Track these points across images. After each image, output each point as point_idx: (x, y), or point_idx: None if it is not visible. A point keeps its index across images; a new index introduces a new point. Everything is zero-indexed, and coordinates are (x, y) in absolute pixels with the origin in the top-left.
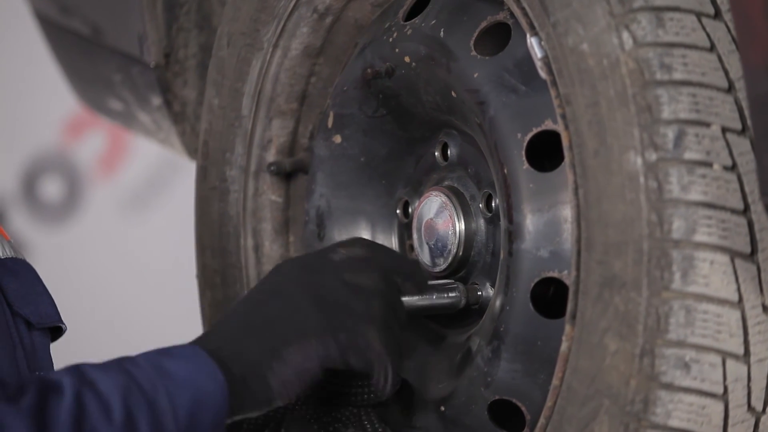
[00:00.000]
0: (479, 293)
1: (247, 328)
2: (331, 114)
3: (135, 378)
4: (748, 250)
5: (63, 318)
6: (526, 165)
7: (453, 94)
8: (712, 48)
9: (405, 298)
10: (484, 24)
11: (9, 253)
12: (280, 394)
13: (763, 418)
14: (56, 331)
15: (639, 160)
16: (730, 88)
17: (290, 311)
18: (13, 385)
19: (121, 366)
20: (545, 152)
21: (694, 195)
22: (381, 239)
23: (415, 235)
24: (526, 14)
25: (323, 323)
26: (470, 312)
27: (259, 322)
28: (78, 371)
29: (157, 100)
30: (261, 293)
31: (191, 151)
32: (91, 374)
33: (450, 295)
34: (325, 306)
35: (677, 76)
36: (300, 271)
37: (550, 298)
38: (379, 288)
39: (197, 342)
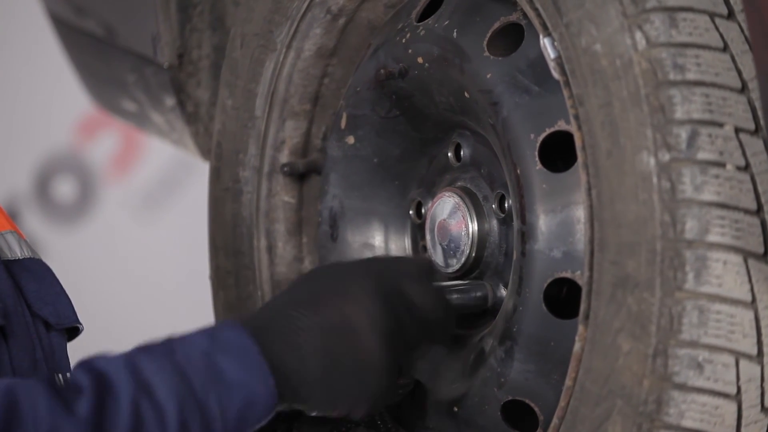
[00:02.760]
0: (498, 293)
1: (310, 348)
2: (345, 115)
3: (189, 381)
4: (761, 250)
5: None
6: (539, 165)
7: (466, 94)
8: (726, 48)
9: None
10: (497, 25)
11: (27, 253)
12: (323, 413)
13: None
14: (73, 331)
15: (652, 161)
16: (744, 89)
17: (360, 362)
18: (60, 381)
19: (175, 364)
20: (558, 153)
21: (707, 195)
22: (394, 240)
23: (428, 236)
24: (539, 15)
25: (383, 387)
26: (483, 312)
27: (320, 350)
28: (134, 369)
29: (170, 101)
30: (332, 307)
31: (204, 152)
32: (147, 377)
33: (477, 294)
34: (392, 369)
35: (690, 76)
36: (375, 301)
37: (563, 298)
38: (440, 334)
39: (252, 330)
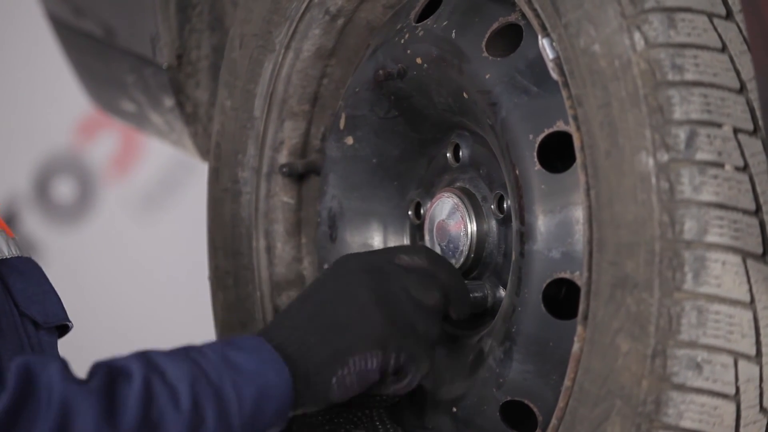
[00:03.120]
0: (497, 293)
1: (314, 328)
2: (343, 115)
3: (202, 367)
4: (759, 250)
5: (74, 318)
6: (537, 166)
7: (465, 95)
8: (724, 49)
9: None
10: (495, 25)
11: (14, 252)
12: (340, 396)
13: None
14: (62, 328)
15: (651, 161)
16: (742, 89)
17: (358, 318)
18: (69, 365)
19: (188, 355)
20: (557, 153)
21: (706, 196)
22: (393, 241)
23: (427, 237)
24: (537, 15)
25: (389, 338)
26: (483, 313)
27: (326, 323)
28: (145, 357)
29: (169, 102)
30: (328, 291)
31: (203, 153)
32: (159, 361)
33: (476, 294)
34: (391, 319)
35: (689, 76)
36: (368, 274)
37: (562, 299)
38: (439, 309)
39: (263, 334)
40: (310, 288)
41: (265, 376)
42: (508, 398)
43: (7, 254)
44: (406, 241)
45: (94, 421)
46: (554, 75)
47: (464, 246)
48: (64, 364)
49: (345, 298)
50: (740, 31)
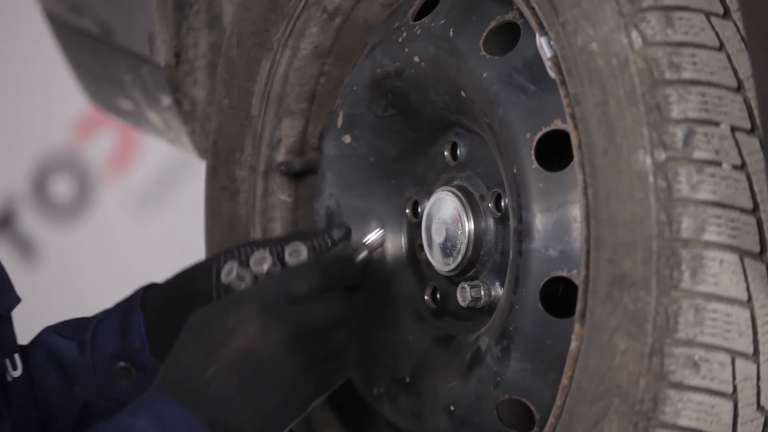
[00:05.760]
0: (370, 241)
1: (238, 396)
2: (341, 114)
3: None
4: (757, 249)
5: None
6: (535, 164)
7: (462, 93)
8: (721, 47)
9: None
10: (493, 24)
11: None
12: None
13: None
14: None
15: (648, 160)
16: (739, 88)
17: (278, 381)
18: None
19: None
20: (554, 152)
21: (703, 194)
22: (390, 239)
23: (424, 235)
24: (535, 14)
25: (312, 387)
26: (480, 311)
27: (248, 392)
28: None
29: (167, 100)
30: (235, 352)
31: (201, 151)
32: None
33: (373, 239)
34: (309, 368)
35: (686, 75)
36: (271, 330)
37: (560, 297)
38: (341, 313)
39: (189, 403)
40: (216, 335)
41: None
42: (506, 396)
43: None
44: (404, 240)
45: None
46: (552, 73)
47: (462, 244)
48: None
49: (257, 363)
50: (738, 29)
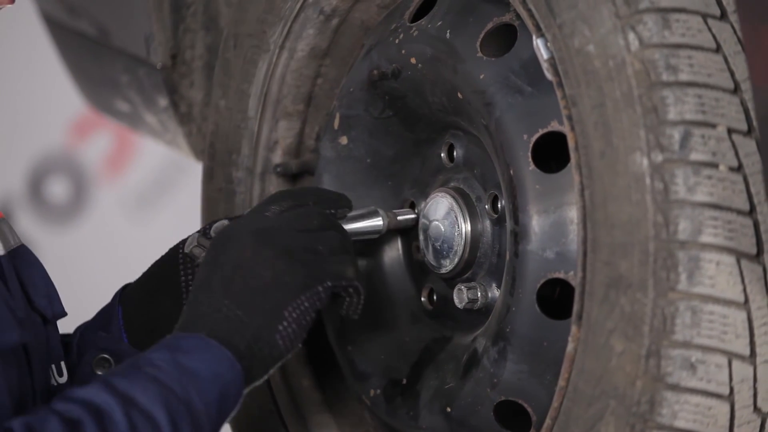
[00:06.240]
0: (399, 218)
1: (236, 302)
2: (338, 115)
3: (166, 385)
4: (753, 251)
5: (68, 318)
6: (532, 166)
7: (459, 95)
8: (718, 49)
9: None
10: (490, 25)
11: (17, 240)
12: (288, 349)
13: None
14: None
15: (645, 161)
16: (736, 89)
17: (269, 274)
18: (62, 414)
19: (145, 372)
20: (551, 153)
21: (700, 196)
22: (387, 240)
23: (421, 237)
24: (532, 15)
25: (306, 276)
26: (476, 313)
27: (248, 295)
28: (112, 388)
29: (163, 101)
30: (227, 264)
31: (198, 153)
32: (126, 390)
33: (373, 220)
34: (298, 261)
35: (683, 77)
36: (252, 234)
37: (557, 299)
38: (327, 224)
39: (192, 328)
40: (208, 268)
41: (222, 377)
42: (503, 398)
43: (12, 243)
44: (400, 241)
45: None
46: (549, 75)
47: (458, 246)
48: (59, 416)
49: (247, 263)
50: (734, 31)
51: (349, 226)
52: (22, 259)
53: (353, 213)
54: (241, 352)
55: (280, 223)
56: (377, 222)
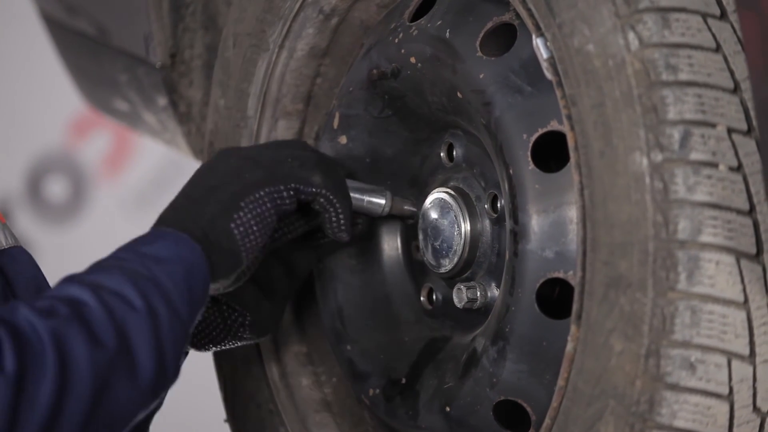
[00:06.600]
0: (405, 207)
1: (201, 198)
2: (337, 115)
3: (131, 268)
4: (753, 250)
5: None
6: (531, 166)
7: (459, 94)
8: (718, 49)
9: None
10: (489, 25)
11: (11, 241)
12: (245, 246)
13: None
14: None
15: (645, 161)
16: (736, 89)
17: (235, 173)
18: (33, 305)
19: (108, 265)
20: (551, 153)
21: (700, 196)
22: (386, 240)
23: (420, 236)
24: (531, 15)
25: (268, 174)
26: (476, 312)
27: (203, 189)
28: (79, 280)
29: (162, 101)
30: (200, 174)
31: (197, 152)
32: (94, 279)
33: (378, 197)
34: (265, 162)
35: (683, 76)
36: (224, 151)
37: (556, 298)
38: (308, 148)
39: (155, 226)
40: (185, 184)
41: (185, 259)
42: (502, 398)
43: (5, 244)
44: (400, 241)
45: (86, 346)
46: (548, 75)
47: (458, 245)
48: (28, 304)
49: (217, 169)
50: (734, 31)
51: (353, 195)
52: (13, 259)
53: (360, 184)
54: (197, 237)
55: (251, 146)
56: (380, 200)
